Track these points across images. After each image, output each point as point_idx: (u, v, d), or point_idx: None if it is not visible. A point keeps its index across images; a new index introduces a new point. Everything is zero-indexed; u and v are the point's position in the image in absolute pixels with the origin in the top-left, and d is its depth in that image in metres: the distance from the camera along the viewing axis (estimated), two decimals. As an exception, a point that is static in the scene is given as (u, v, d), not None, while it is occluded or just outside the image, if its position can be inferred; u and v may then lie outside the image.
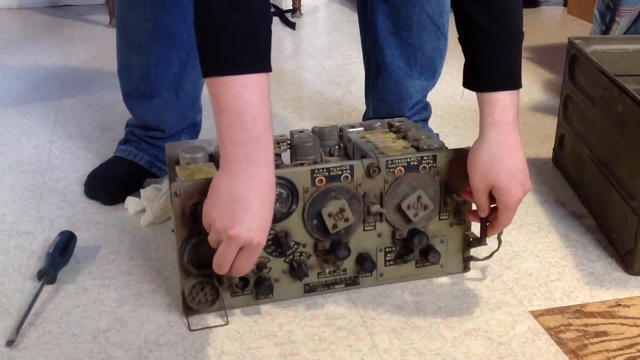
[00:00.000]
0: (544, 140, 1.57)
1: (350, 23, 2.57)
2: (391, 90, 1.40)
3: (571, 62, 1.36)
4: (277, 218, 0.97)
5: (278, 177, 0.95)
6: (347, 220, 0.99)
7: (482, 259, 1.09)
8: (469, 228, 1.08)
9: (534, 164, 1.46)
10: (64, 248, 1.11)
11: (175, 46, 1.26)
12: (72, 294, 1.05)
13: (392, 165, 1.00)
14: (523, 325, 0.99)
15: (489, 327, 0.99)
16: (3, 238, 1.19)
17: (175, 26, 1.24)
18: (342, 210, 0.98)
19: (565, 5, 2.77)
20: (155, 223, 1.23)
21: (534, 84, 1.93)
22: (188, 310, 0.99)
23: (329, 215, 0.98)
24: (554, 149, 1.46)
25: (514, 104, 0.96)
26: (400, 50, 1.36)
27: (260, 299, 1.01)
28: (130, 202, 1.27)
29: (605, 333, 0.98)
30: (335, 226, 0.99)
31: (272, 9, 2.67)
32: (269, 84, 0.86)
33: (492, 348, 0.95)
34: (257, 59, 0.85)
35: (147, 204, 1.25)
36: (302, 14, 2.63)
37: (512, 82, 0.97)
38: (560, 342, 0.96)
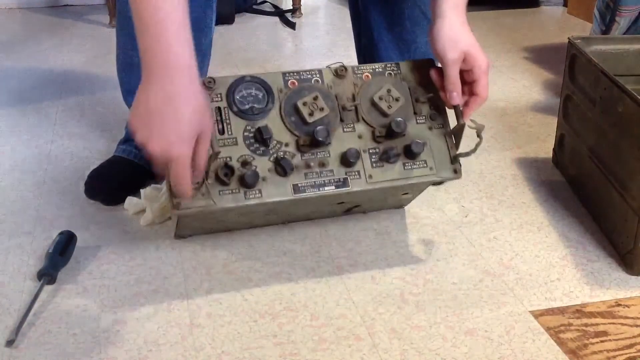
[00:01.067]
0: (544, 140, 1.57)
1: (350, 23, 2.57)
2: None
3: (571, 62, 1.36)
4: (256, 113, 1.01)
5: (252, 77, 1.02)
6: (322, 109, 1.03)
7: (469, 153, 1.06)
8: (449, 129, 1.09)
9: (534, 164, 1.46)
10: (64, 248, 1.11)
11: None
12: (72, 294, 1.05)
13: (359, 71, 1.07)
14: (523, 325, 0.99)
15: (489, 327, 0.99)
16: (3, 238, 1.19)
17: None
18: (316, 99, 1.02)
19: (565, 5, 2.77)
20: (155, 223, 1.23)
21: (534, 84, 1.93)
22: (175, 199, 0.97)
23: (304, 104, 1.02)
24: (554, 149, 1.46)
25: None
26: (394, 45, 1.37)
27: (250, 198, 1.00)
28: (130, 202, 1.27)
29: (605, 333, 0.98)
30: (311, 114, 1.02)
31: (272, 9, 2.67)
32: None
33: (492, 348, 0.95)
34: None
35: (147, 204, 1.25)
36: (302, 14, 2.63)
37: None
38: (560, 342, 0.96)
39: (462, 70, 1.04)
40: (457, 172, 1.09)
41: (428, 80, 1.08)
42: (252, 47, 2.24)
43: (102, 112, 1.72)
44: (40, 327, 0.98)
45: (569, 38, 1.37)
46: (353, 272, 1.11)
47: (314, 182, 1.03)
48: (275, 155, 1.01)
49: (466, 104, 1.06)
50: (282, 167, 1.00)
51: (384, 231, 1.21)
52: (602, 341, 0.96)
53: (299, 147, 1.02)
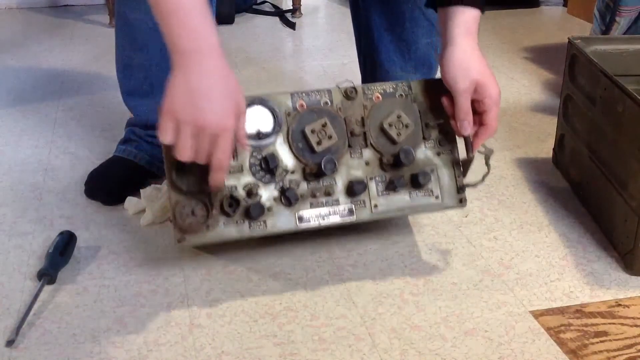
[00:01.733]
0: (544, 140, 1.57)
1: (350, 23, 2.57)
2: None
3: (571, 62, 1.36)
4: (262, 139, 1.00)
5: (260, 100, 1.00)
6: (330, 137, 1.01)
7: (475, 184, 1.07)
8: (457, 157, 1.08)
9: (534, 164, 1.46)
10: (64, 248, 1.11)
11: None
12: (72, 294, 1.05)
13: (369, 92, 1.04)
14: (523, 325, 0.99)
15: (489, 327, 0.99)
16: (3, 238, 1.19)
17: None
18: (324, 126, 1.01)
19: (565, 5, 2.77)
20: (155, 223, 1.23)
21: (534, 84, 1.93)
22: (179, 232, 0.98)
23: (312, 131, 1.01)
24: (554, 149, 1.46)
25: (478, 21, 1.05)
26: (394, 45, 1.37)
27: (254, 230, 1.00)
28: (130, 202, 1.27)
29: (605, 333, 0.98)
30: (319, 143, 1.01)
31: (272, 9, 2.67)
32: None
33: (492, 348, 0.95)
34: None
35: (147, 204, 1.25)
36: (302, 14, 2.63)
37: (481, 2, 1.04)
38: (560, 342, 0.96)
39: (472, 100, 1.02)
40: (462, 202, 1.09)
41: (439, 102, 1.05)
42: (252, 47, 2.24)
43: (102, 112, 1.72)
44: (40, 327, 0.98)
45: (569, 38, 1.37)
46: (353, 272, 1.11)
47: (319, 212, 1.03)
48: (281, 183, 1.01)
49: (475, 134, 1.05)
50: (287, 198, 1.00)
51: (384, 231, 1.21)
52: (602, 341, 0.96)
53: (305, 175, 1.02)
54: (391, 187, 1.05)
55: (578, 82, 1.34)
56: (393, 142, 1.04)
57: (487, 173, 1.07)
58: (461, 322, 1.00)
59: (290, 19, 2.56)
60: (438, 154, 1.07)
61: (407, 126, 1.04)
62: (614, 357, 0.94)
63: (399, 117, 1.04)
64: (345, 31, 2.46)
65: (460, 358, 0.93)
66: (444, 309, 1.02)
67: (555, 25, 2.59)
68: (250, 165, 0.99)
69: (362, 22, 1.40)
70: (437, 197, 1.07)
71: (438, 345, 0.95)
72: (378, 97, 1.05)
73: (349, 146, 1.03)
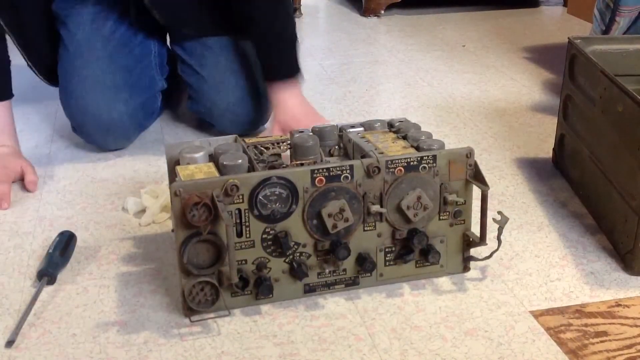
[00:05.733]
0: (544, 140, 1.57)
1: (350, 23, 2.57)
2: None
3: (571, 62, 1.36)
4: (277, 218, 0.98)
5: (278, 178, 0.96)
6: (347, 220, 0.99)
7: (482, 259, 1.09)
8: (469, 228, 1.08)
9: (534, 164, 1.46)
10: (64, 248, 1.11)
11: None
12: (72, 294, 1.05)
13: (392, 166, 1.01)
14: (523, 325, 0.99)
15: (489, 327, 0.99)
16: (3, 238, 1.19)
17: None
18: (342, 211, 0.99)
19: (565, 5, 2.77)
20: (156, 223, 1.23)
21: (534, 84, 1.93)
22: (188, 310, 0.99)
23: (329, 215, 0.99)
24: (554, 149, 1.46)
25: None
26: None
27: (260, 299, 1.02)
28: (130, 202, 1.27)
29: (605, 333, 0.98)
30: (335, 226, 0.99)
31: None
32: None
33: (492, 348, 0.95)
34: None
35: (147, 204, 1.25)
36: (302, 14, 2.63)
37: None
38: (560, 342, 0.96)
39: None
40: (466, 269, 1.09)
41: (462, 174, 1.04)
42: (252, 47, 2.24)
43: (102, 112, 1.72)
44: (40, 327, 0.98)
45: (569, 38, 1.37)
46: (353, 272, 1.11)
47: (325, 281, 1.04)
48: (291, 258, 1.01)
49: None
50: (297, 274, 1.00)
51: (384, 231, 1.21)
52: (602, 341, 0.96)
53: (317, 251, 1.01)
54: (400, 259, 1.05)
55: (578, 82, 1.34)
56: (409, 221, 1.03)
57: (497, 249, 1.06)
58: (461, 322, 1.00)
59: (290, 19, 2.56)
60: (451, 224, 1.06)
61: (425, 207, 1.02)
62: (614, 357, 0.94)
63: (419, 198, 1.02)
64: (345, 31, 2.46)
65: (460, 358, 0.93)
66: (444, 309, 1.02)
67: (555, 25, 2.59)
68: (262, 240, 0.99)
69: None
70: (442, 266, 1.08)
71: (438, 345, 0.95)
72: (400, 170, 1.01)
73: (364, 222, 1.02)
